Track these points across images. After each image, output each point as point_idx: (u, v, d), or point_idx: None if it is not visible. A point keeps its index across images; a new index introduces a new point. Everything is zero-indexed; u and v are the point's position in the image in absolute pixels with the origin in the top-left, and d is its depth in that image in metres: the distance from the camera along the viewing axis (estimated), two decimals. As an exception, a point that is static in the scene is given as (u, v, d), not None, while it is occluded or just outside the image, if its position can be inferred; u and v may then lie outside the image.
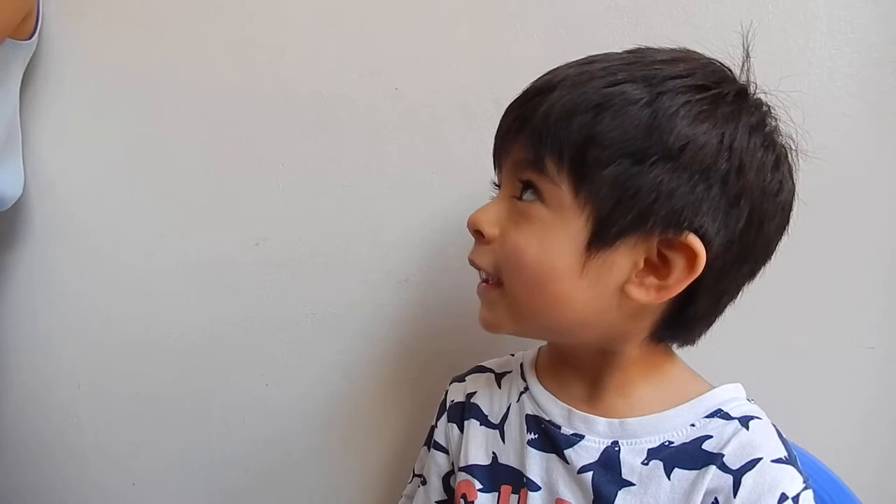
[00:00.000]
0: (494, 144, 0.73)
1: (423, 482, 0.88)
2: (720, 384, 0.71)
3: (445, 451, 0.86)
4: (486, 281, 0.72)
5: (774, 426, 0.67)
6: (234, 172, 1.12)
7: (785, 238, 0.68)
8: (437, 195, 1.03)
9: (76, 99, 1.19)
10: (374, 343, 1.08)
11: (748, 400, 0.70)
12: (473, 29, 1.01)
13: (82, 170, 1.20)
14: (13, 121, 1.13)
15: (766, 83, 0.68)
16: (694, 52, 0.68)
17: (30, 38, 1.09)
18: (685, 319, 0.67)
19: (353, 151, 1.06)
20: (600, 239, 0.63)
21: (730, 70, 0.67)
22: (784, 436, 0.66)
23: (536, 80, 0.69)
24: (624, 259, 0.63)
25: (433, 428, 0.88)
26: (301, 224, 1.09)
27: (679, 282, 0.62)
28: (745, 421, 0.66)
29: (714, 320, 0.70)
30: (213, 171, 1.13)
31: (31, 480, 1.30)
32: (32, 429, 1.27)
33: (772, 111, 0.67)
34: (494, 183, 0.76)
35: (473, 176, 0.99)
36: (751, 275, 0.68)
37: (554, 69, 0.69)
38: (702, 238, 0.61)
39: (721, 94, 0.63)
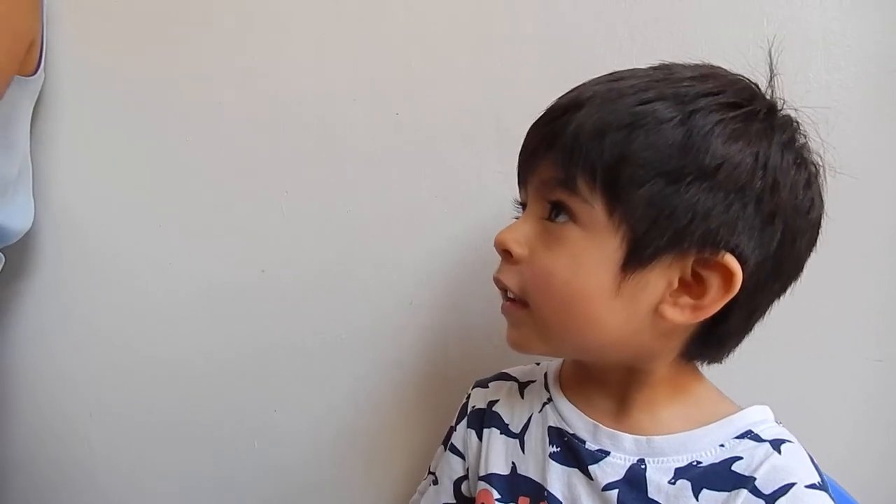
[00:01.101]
0: (519, 162, 0.72)
1: (435, 481, 0.87)
2: (733, 399, 0.70)
3: (461, 455, 0.85)
4: (511, 300, 0.71)
5: (806, 451, 0.66)
6: (238, 200, 1.12)
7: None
8: (438, 218, 1.03)
9: (83, 129, 1.19)
10: (381, 366, 1.08)
11: (777, 422, 0.68)
12: (471, 53, 1.01)
13: (91, 199, 1.20)
14: (25, 157, 1.13)
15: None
16: (719, 67, 0.68)
17: (35, 73, 1.09)
18: (716, 338, 0.67)
19: (356, 177, 1.06)
20: (636, 259, 0.62)
21: (757, 87, 0.67)
22: (815, 460, 0.65)
23: (562, 97, 0.69)
24: (659, 279, 0.63)
25: (452, 429, 0.87)
26: (305, 250, 1.09)
27: (715, 301, 0.62)
28: (776, 444, 0.65)
29: (744, 338, 0.69)
30: (219, 199, 1.13)
31: (46, 504, 1.29)
32: (46, 454, 1.26)
33: (801, 128, 0.67)
34: (517, 201, 0.75)
35: (475, 198, 1.01)
36: (781, 291, 0.67)
37: (579, 86, 0.68)
38: (738, 257, 0.61)
39: (753, 111, 0.63)
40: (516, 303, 0.70)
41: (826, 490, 0.63)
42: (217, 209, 1.13)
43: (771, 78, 0.68)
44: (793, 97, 0.83)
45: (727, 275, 0.61)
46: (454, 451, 0.85)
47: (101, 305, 1.20)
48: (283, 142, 1.09)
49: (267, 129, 1.10)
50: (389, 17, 1.04)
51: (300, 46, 1.08)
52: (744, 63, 0.70)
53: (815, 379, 0.93)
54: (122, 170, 1.18)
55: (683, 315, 0.63)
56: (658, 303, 0.63)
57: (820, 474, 0.64)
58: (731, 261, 0.60)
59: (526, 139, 0.71)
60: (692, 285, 0.63)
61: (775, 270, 0.64)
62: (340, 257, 1.08)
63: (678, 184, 0.60)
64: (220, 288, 1.13)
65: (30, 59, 1.06)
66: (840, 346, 0.93)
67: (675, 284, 0.63)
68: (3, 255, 1.11)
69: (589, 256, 0.64)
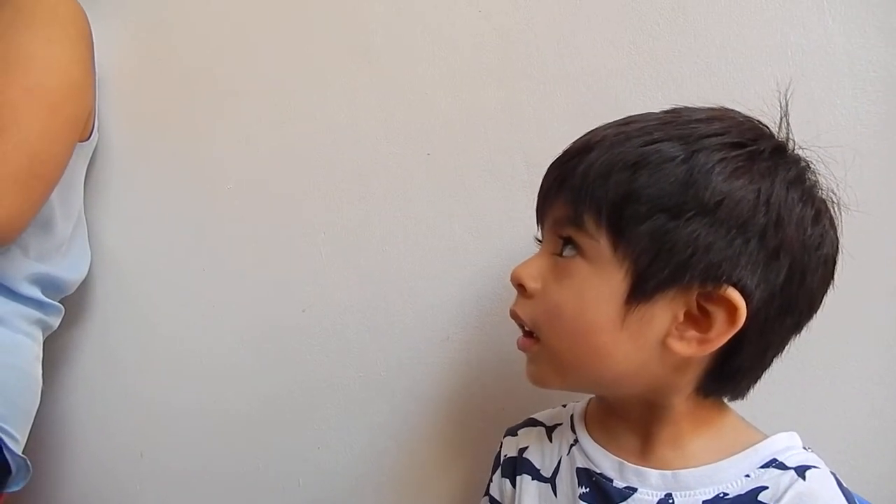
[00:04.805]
0: (537, 203, 0.74)
1: None
2: (773, 432, 0.69)
3: None
4: (527, 335, 0.73)
5: (834, 475, 0.65)
6: (278, 243, 1.15)
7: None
8: (472, 254, 1.05)
9: (131, 185, 1.24)
10: (420, 401, 1.09)
11: (804, 448, 0.68)
12: (498, 92, 1.03)
13: (137, 247, 1.24)
14: (80, 214, 1.18)
15: (801, 134, 0.68)
16: (731, 110, 0.69)
17: (89, 137, 1.15)
18: (730, 373, 0.67)
19: (390, 217, 1.09)
20: (639, 292, 0.64)
21: (766, 127, 0.68)
22: (844, 485, 0.64)
23: (576, 141, 0.71)
24: (664, 312, 0.64)
25: (490, 480, 0.88)
26: (343, 289, 1.11)
27: (721, 335, 0.62)
28: (801, 471, 0.64)
29: (761, 374, 0.69)
30: (259, 243, 1.16)
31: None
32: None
33: (810, 166, 0.67)
34: (538, 239, 0.77)
35: (507, 233, 1.02)
36: (796, 328, 0.67)
37: (593, 130, 0.71)
38: (741, 291, 0.61)
39: (757, 150, 0.64)
40: (530, 337, 0.72)
41: None
42: (257, 253, 1.16)
43: (781, 118, 0.68)
44: (821, 124, 0.83)
45: (731, 308, 0.62)
46: (493, 501, 0.87)
47: (149, 350, 1.24)
48: (320, 185, 1.12)
49: (304, 174, 1.13)
50: (418, 61, 1.07)
51: (333, 92, 1.12)
52: (773, 90, 0.70)
53: (846, 403, 0.91)
54: (165, 218, 1.22)
55: (690, 348, 0.64)
56: (665, 336, 0.64)
57: (848, 498, 0.63)
58: (735, 294, 0.61)
59: (543, 180, 0.73)
60: (698, 319, 0.63)
61: (785, 306, 0.64)
62: (377, 295, 1.10)
63: (679, 219, 0.62)
64: (264, 330, 1.16)
65: (86, 126, 1.12)
66: (882, 378, 0.91)
67: (681, 318, 0.64)
68: (63, 306, 1.16)
69: (595, 290, 0.66)
